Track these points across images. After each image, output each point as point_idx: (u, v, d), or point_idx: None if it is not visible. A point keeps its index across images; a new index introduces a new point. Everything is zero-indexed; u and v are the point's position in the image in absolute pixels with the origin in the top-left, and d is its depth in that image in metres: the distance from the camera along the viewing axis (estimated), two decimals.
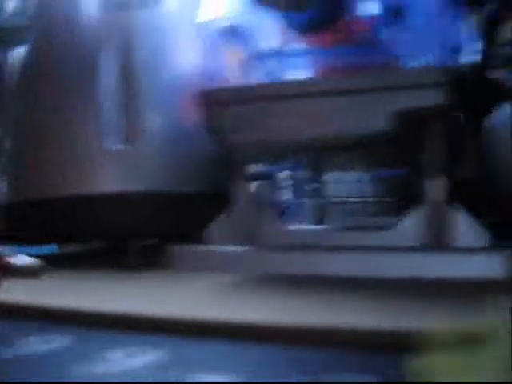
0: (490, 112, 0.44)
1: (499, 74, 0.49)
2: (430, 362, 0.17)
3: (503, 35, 0.56)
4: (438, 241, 0.36)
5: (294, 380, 0.20)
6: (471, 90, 0.37)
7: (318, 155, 0.43)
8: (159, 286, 0.36)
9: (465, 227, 0.35)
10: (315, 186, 0.54)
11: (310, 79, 0.39)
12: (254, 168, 0.57)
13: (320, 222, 0.54)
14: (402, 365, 0.17)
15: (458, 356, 0.17)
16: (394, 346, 0.21)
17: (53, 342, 0.25)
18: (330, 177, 0.57)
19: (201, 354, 0.23)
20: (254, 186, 0.61)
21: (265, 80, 0.40)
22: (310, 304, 0.29)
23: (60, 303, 0.29)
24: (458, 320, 0.17)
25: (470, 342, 0.17)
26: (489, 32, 0.38)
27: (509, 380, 0.15)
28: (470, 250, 0.35)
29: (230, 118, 0.39)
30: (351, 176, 0.57)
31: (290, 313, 0.27)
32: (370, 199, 0.58)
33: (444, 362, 0.17)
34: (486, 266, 0.34)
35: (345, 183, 0.57)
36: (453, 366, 0.17)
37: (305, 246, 0.40)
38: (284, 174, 0.60)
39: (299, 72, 0.39)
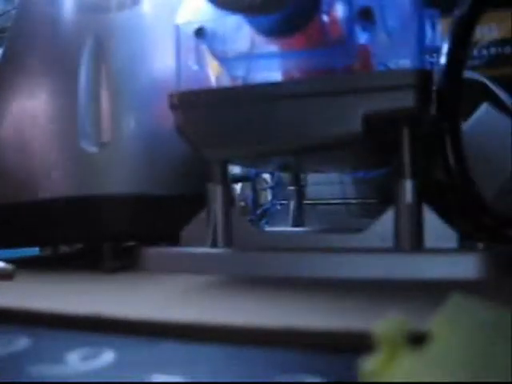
0: (467, 113, 0.44)
1: (478, 75, 0.49)
2: (380, 362, 0.17)
3: (485, 36, 0.56)
4: (409, 242, 0.36)
5: (247, 380, 0.20)
6: (446, 92, 0.37)
7: (293, 158, 0.43)
8: (130, 288, 0.36)
9: (436, 229, 0.36)
10: (296, 187, 0.54)
11: (281, 82, 0.39)
12: (234, 170, 0.57)
13: (301, 223, 0.54)
14: (355, 365, 0.17)
15: (407, 356, 0.17)
16: (348, 347, 0.22)
17: (10, 344, 0.25)
18: (311, 178, 0.57)
19: (159, 355, 0.24)
20: (237, 188, 0.61)
21: (234, 83, 0.40)
22: (275, 305, 0.29)
23: (23, 305, 0.29)
24: (409, 320, 0.17)
25: (418, 341, 0.17)
26: (463, 33, 0.38)
27: (509, 380, 0.15)
28: (442, 252, 0.35)
29: (198, 120, 0.39)
30: (334, 177, 0.57)
31: (250, 314, 0.27)
32: (353, 201, 0.58)
33: (392, 362, 0.17)
34: (458, 267, 0.34)
35: (327, 185, 0.57)
36: (402, 366, 0.17)
37: (280, 248, 0.40)
38: (264, 176, 0.60)
39: (270, 75, 0.39)
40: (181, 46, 0.40)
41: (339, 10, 0.36)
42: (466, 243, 0.36)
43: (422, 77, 0.35)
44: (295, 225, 0.54)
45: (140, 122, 0.45)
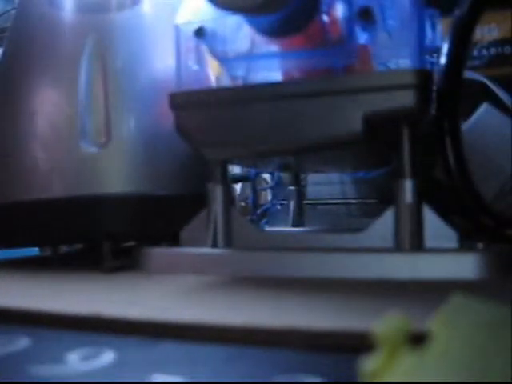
0: (467, 113, 0.44)
1: (478, 75, 0.49)
2: (380, 362, 0.17)
3: (485, 36, 0.56)
4: (409, 242, 0.36)
5: (247, 380, 0.20)
6: (446, 92, 0.37)
7: (293, 158, 0.43)
8: (130, 288, 0.36)
9: (436, 229, 0.35)
10: (296, 187, 0.54)
11: (281, 82, 0.39)
12: (234, 170, 0.57)
13: (301, 223, 0.54)
14: (355, 365, 0.17)
15: (407, 356, 0.17)
16: (348, 347, 0.22)
17: (10, 344, 0.25)
18: (311, 178, 0.57)
19: (159, 355, 0.24)
20: (237, 188, 0.61)
21: (234, 83, 0.40)
22: (275, 305, 0.29)
23: (22, 305, 0.29)
24: (409, 320, 0.17)
25: (417, 341, 0.17)
26: (463, 33, 0.38)
27: (509, 380, 0.15)
28: (442, 252, 0.35)
29: (197, 121, 0.39)
30: (334, 177, 0.57)
31: (250, 314, 0.27)
32: (353, 201, 0.58)
33: (392, 362, 0.17)
34: (458, 267, 0.34)
35: (327, 185, 0.57)
36: (402, 366, 0.17)
37: (280, 248, 0.40)
38: (264, 176, 0.60)
39: (270, 75, 0.39)
40: (181, 45, 0.40)
41: (339, 10, 0.36)
42: (465, 243, 0.36)
43: (422, 77, 0.35)
44: (295, 225, 0.54)
45: (140, 121, 0.45)
